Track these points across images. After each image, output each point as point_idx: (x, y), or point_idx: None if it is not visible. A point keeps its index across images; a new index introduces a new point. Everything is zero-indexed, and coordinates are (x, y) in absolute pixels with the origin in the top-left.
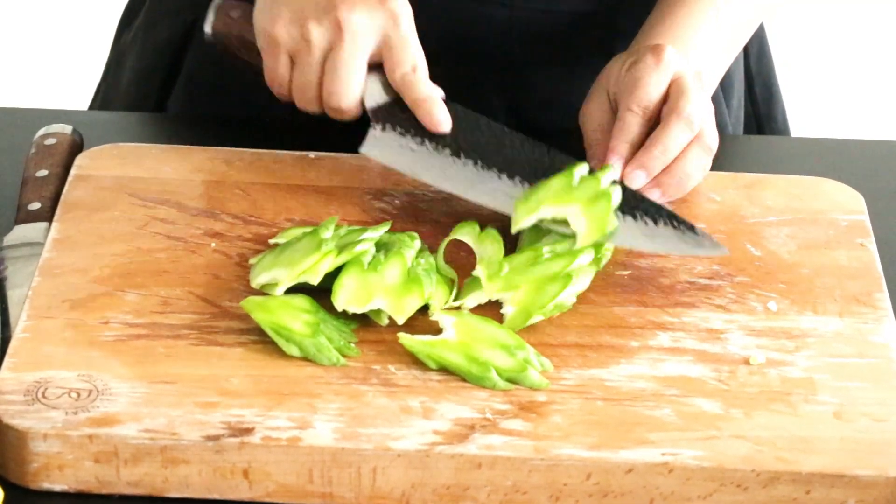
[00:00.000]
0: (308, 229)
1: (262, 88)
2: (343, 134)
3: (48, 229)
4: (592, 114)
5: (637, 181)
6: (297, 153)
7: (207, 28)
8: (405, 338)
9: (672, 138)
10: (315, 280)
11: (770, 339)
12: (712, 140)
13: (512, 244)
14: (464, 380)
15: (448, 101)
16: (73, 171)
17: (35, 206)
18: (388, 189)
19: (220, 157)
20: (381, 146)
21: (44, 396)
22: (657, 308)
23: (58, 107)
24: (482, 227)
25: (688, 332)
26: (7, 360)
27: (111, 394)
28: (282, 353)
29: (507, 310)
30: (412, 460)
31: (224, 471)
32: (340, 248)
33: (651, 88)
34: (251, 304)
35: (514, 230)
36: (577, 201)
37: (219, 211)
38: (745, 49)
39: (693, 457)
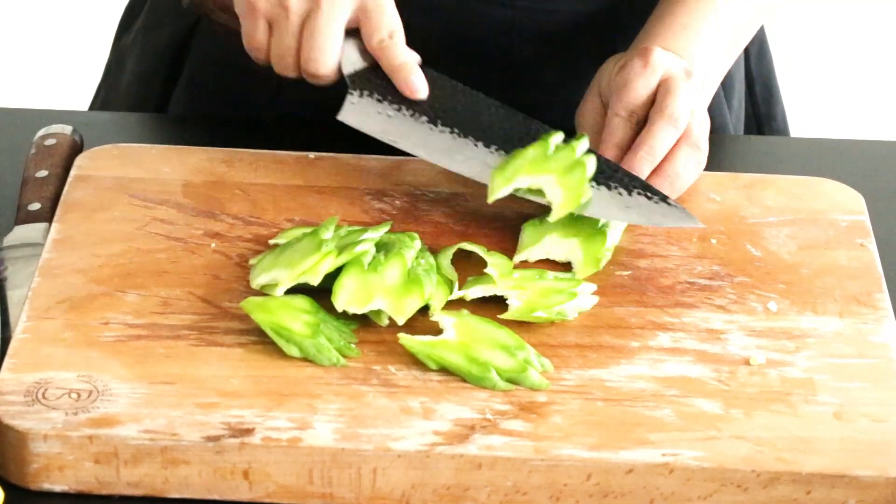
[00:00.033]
0: (308, 230)
1: (263, 89)
2: (343, 134)
3: (48, 230)
4: (586, 115)
5: None
6: (297, 153)
7: None
8: (405, 338)
9: (657, 138)
10: (315, 281)
11: (770, 339)
12: (701, 137)
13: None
14: (464, 380)
15: (424, 66)
16: (73, 172)
17: (35, 206)
18: (388, 189)
19: (220, 157)
20: (358, 112)
21: (44, 397)
22: (657, 308)
23: (58, 107)
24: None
25: (688, 332)
26: (7, 360)
27: (111, 394)
28: (282, 354)
29: (512, 302)
30: (412, 461)
31: (224, 471)
32: (340, 249)
33: (638, 92)
34: (251, 305)
35: (490, 199)
36: (552, 171)
37: (219, 211)
38: (746, 50)
39: (693, 457)
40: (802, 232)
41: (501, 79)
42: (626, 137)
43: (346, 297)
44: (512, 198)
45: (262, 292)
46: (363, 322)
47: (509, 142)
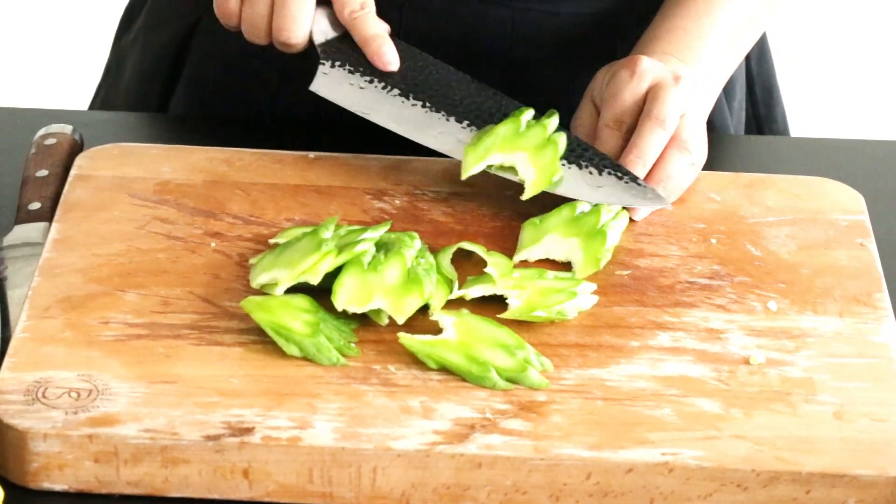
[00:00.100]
0: (308, 229)
1: (263, 89)
2: (343, 134)
3: (48, 229)
4: (582, 122)
5: None
6: (297, 153)
7: None
8: (405, 337)
9: (646, 141)
10: (315, 280)
11: (770, 339)
12: (691, 140)
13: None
14: (464, 380)
15: (395, 38)
16: (73, 172)
17: (35, 206)
18: (388, 189)
19: (220, 157)
20: (330, 84)
21: (44, 396)
22: (657, 308)
23: (58, 107)
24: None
25: (688, 331)
26: (7, 360)
27: (111, 394)
28: (282, 353)
29: (512, 302)
30: (412, 460)
31: (224, 471)
32: (340, 248)
33: (626, 102)
34: (251, 304)
35: (463, 176)
36: (524, 149)
37: (219, 211)
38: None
39: (693, 457)
40: (802, 232)
41: (502, 79)
42: (617, 146)
43: (345, 297)
44: (512, 198)
45: (262, 292)
46: (363, 321)
47: (480, 117)
